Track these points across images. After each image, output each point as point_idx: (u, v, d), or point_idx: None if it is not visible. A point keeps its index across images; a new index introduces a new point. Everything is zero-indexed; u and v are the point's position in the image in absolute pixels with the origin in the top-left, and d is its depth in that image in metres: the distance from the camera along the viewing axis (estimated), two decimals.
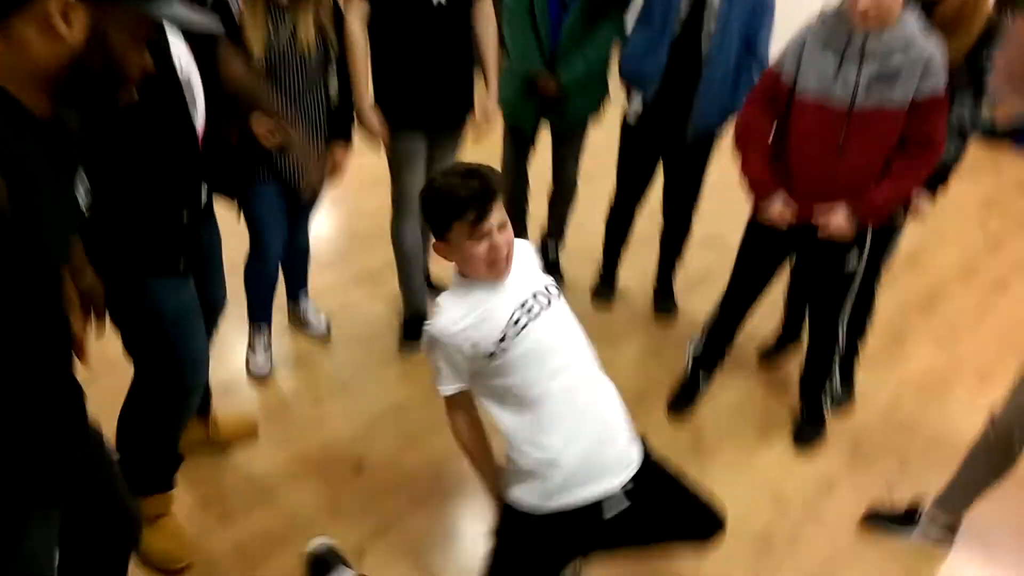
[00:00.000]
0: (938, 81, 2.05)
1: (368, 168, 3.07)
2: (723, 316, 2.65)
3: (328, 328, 2.98)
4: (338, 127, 2.49)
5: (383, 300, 3.21)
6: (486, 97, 2.73)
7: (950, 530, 2.22)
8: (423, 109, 2.62)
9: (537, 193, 3.39)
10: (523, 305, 1.67)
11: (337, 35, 2.38)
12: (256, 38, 2.18)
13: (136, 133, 1.56)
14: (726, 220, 3.77)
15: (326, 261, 3.40)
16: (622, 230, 3.22)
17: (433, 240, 1.71)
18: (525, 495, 1.70)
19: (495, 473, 1.81)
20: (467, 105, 2.74)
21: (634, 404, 1.87)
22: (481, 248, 1.62)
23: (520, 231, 3.58)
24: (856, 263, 2.34)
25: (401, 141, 2.66)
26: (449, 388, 1.74)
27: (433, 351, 1.71)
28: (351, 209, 3.91)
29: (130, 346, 1.80)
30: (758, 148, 2.32)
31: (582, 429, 1.68)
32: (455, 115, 2.74)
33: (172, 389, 1.87)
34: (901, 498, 2.35)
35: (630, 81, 2.90)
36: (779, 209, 2.28)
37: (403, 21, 2.48)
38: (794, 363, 2.83)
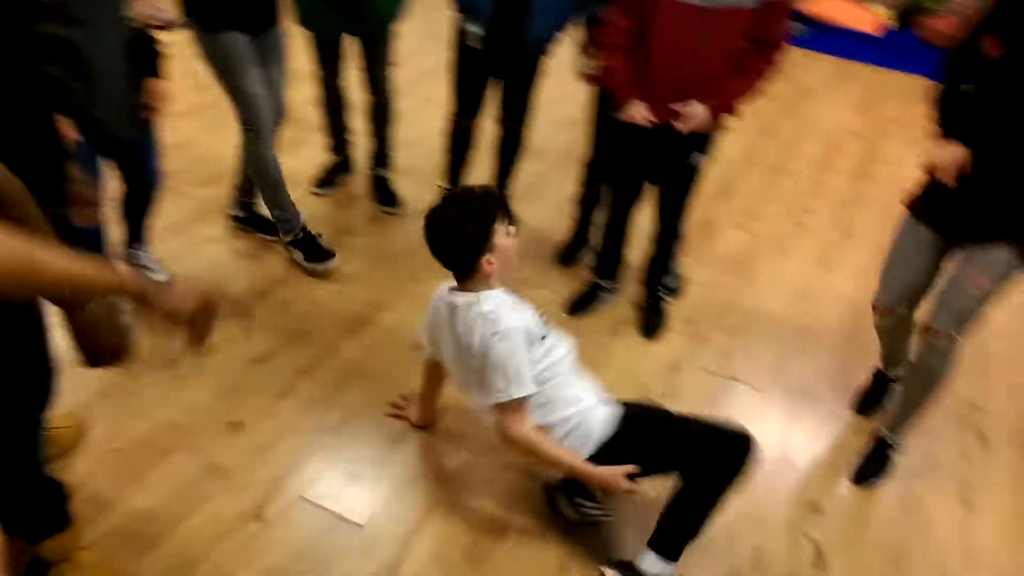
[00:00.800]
0: None
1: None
2: (615, 221, 2.82)
3: (168, 280, 2.77)
4: (143, 62, 2.28)
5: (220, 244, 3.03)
6: None
7: None
8: (239, 6, 2.53)
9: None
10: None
11: None
12: None
13: None
14: (549, 131, 3.91)
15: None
16: (462, 149, 3.23)
17: (485, 259, 1.84)
18: (598, 429, 1.92)
19: (570, 454, 1.90)
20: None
21: None
22: (513, 245, 1.90)
23: (339, 149, 3.49)
24: (701, 156, 2.54)
25: (220, 42, 2.53)
26: (531, 387, 1.84)
27: (516, 352, 1.81)
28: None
29: None
30: (620, 52, 2.40)
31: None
32: (269, 8, 2.64)
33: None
34: (735, 367, 2.70)
35: (464, 12, 2.85)
36: (641, 112, 2.39)
37: None
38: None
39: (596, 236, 3.05)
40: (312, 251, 2.96)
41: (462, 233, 1.82)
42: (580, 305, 2.94)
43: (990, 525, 2.25)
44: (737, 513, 2.18)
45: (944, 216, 2.13)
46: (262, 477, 2.15)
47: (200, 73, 2.69)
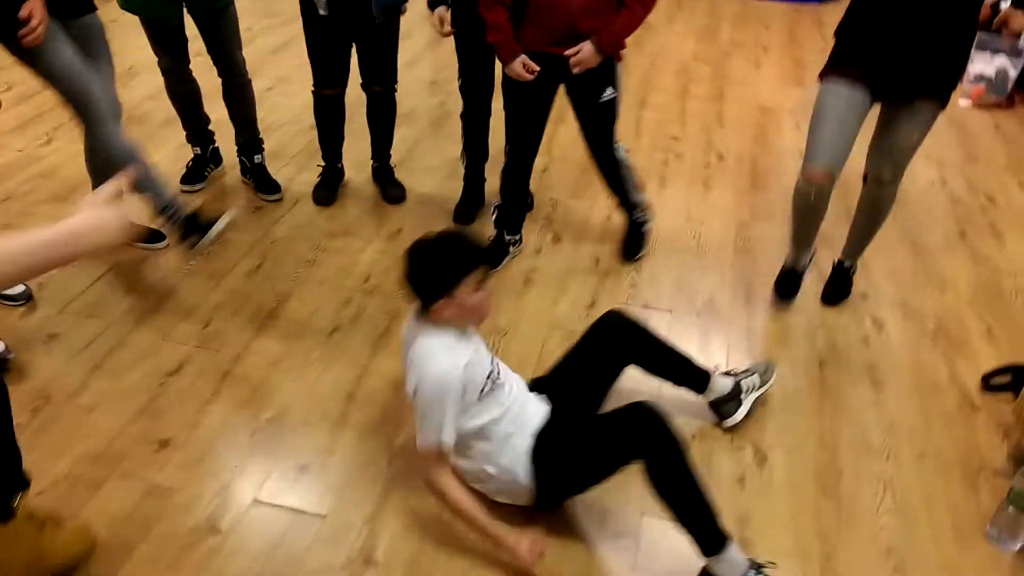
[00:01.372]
0: None
1: None
2: (513, 172, 2.85)
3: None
4: None
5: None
6: None
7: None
8: None
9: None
10: (484, 344, 1.91)
11: None
12: None
13: None
14: (417, 95, 3.86)
15: None
16: (332, 122, 3.14)
17: (441, 303, 1.76)
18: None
19: (486, 513, 1.85)
20: None
21: None
22: (481, 297, 1.80)
23: (201, 140, 3.30)
24: (613, 91, 2.61)
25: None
26: (451, 436, 1.77)
27: (443, 399, 1.73)
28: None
29: None
30: (500, 12, 2.44)
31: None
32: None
33: None
34: (644, 295, 2.82)
35: None
36: (520, 69, 2.47)
37: None
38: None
39: (489, 190, 3.06)
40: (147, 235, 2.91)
41: (429, 269, 1.77)
42: (491, 261, 2.96)
43: (896, 397, 2.48)
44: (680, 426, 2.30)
45: (873, 69, 2.33)
46: (208, 488, 2.05)
47: (18, 82, 2.45)
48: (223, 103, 3.16)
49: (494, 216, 2.99)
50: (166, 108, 3.29)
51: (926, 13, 2.20)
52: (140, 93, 4.05)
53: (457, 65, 2.94)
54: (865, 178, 2.61)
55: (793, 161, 3.74)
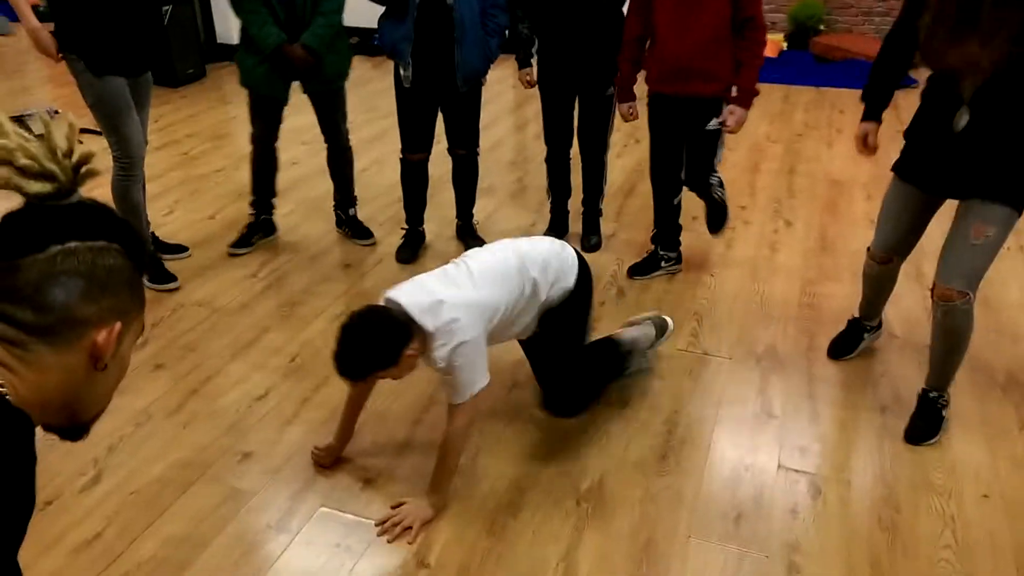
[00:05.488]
0: None
1: None
2: (659, 194, 3.31)
3: None
4: None
5: None
6: None
7: None
8: (121, 52, 2.83)
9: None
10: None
11: None
12: None
13: None
14: (496, 173, 4.13)
15: None
16: (416, 186, 3.45)
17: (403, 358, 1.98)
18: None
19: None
20: (156, 51, 3.04)
21: None
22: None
23: (262, 208, 3.61)
24: (717, 122, 3.02)
25: (110, 85, 2.83)
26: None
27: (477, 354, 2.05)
28: None
29: None
30: (629, 60, 3.08)
31: None
32: (147, 59, 3.01)
33: None
34: (705, 344, 2.90)
35: (388, 54, 3.14)
36: (626, 112, 3.19)
37: None
38: None
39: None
40: (157, 274, 3.25)
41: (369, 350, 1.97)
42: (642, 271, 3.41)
43: (961, 442, 2.44)
44: (735, 466, 2.34)
45: (924, 174, 2.37)
46: (282, 494, 2.22)
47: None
48: (324, 178, 3.52)
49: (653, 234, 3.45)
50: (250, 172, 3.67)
51: (977, 122, 2.17)
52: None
53: (543, 136, 3.39)
54: (932, 292, 2.34)
55: (863, 228, 3.78)
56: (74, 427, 0.93)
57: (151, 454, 2.38)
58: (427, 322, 1.99)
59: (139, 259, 0.92)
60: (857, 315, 2.84)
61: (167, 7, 5.69)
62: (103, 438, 2.42)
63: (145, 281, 3.13)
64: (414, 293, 2.05)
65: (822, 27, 6.92)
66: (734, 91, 2.94)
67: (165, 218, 3.89)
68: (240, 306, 3.17)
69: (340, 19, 3.22)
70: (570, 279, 2.35)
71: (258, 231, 3.65)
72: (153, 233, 3.45)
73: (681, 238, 3.41)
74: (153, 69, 3.09)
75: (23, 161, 0.84)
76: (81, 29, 2.79)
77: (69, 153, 0.88)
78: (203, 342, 2.94)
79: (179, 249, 3.52)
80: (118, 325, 0.88)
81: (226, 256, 3.54)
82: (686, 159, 3.17)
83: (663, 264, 3.39)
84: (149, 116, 3.16)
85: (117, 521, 2.13)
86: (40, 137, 0.88)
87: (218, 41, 6.68)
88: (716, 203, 3.31)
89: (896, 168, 2.46)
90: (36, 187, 0.85)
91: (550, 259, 2.31)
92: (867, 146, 2.55)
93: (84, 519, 2.13)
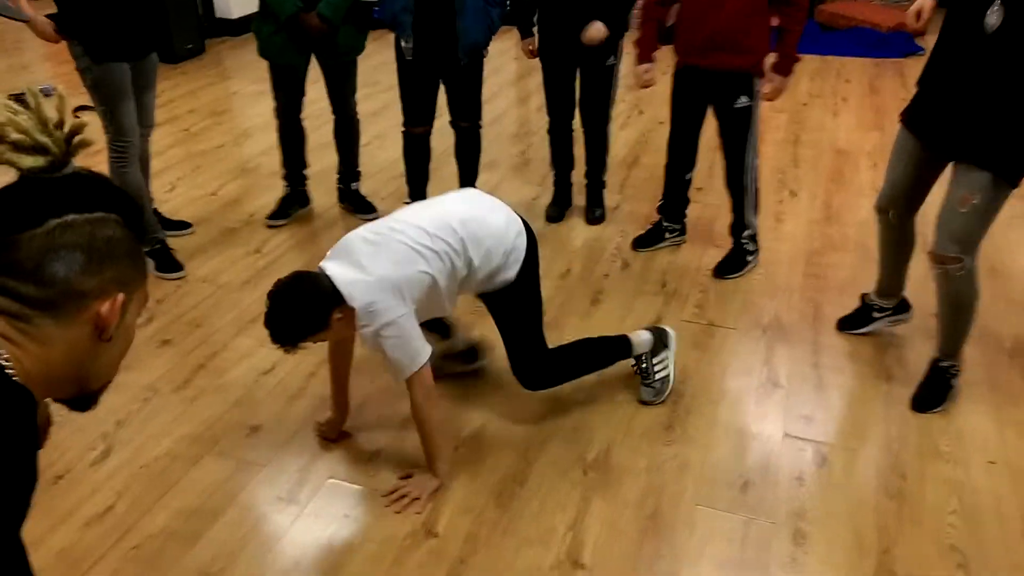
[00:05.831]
0: None
1: None
2: (672, 167, 3.24)
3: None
4: None
5: None
6: None
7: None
8: (122, 38, 2.82)
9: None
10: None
11: None
12: None
13: None
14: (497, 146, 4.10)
15: None
16: (418, 159, 3.43)
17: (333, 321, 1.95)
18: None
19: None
20: (158, 32, 3.05)
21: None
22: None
23: (294, 180, 3.61)
24: (748, 100, 2.91)
25: (110, 72, 2.82)
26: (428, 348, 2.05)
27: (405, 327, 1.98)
28: None
29: None
30: (650, 25, 3.01)
31: None
32: (149, 42, 2.98)
33: None
34: (710, 315, 2.89)
35: (388, 26, 3.11)
36: (642, 73, 3.08)
37: None
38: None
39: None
40: (164, 262, 3.21)
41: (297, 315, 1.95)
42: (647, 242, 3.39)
43: (968, 410, 2.44)
44: (741, 435, 2.35)
45: (925, 127, 2.31)
46: (290, 467, 2.24)
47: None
48: (324, 153, 3.51)
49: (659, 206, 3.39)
50: (273, 163, 3.66)
51: (988, 78, 2.10)
52: (253, 150, 4.48)
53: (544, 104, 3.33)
54: (929, 257, 2.35)
55: (869, 198, 3.76)
56: (82, 397, 0.92)
57: (159, 429, 2.39)
58: (353, 297, 1.95)
59: (138, 228, 0.91)
60: (873, 292, 2.76)
61: None
62: (112, 413, 2.43)
63: (152, 270, 3.15)
64: (341, 264, 2.01)
65: None
66: (772, 59, 2.87)
67: (167, 195, 3.88)
68: (243, 282, 3.17)
69: None
70: (510, 272, 2.17)
71: (294, 203, 3.66)
72: (156, 210, 3.44)
73: (687, 211, 3.39)
74: (156, 50, 3.06)
75: (14, 136, 0.84)
76: (80, 15, 2.76)
77: (60, 124, 0.87)
78: (208, 318, 2.94)
79: (182, 225, 3.51)
80: (121, 296, 0.87)
81: (228, 232, 3.53)
82: (723, 144, 3.04)
83: (667, 236, 3.37)
84: (154, 94, 3.14)
85: (127, 495, 2.14)
86: (29, 108, 0.87)
87: (217, 16, 6.62)
88: (739, 250, 3.18)
89: (903, 115, 2.42)
90: (29, 161, 0.84)
91: (494, 249, 2.12)
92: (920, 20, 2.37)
93: (94, 493, 2.14)
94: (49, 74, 5.80)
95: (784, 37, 2.87)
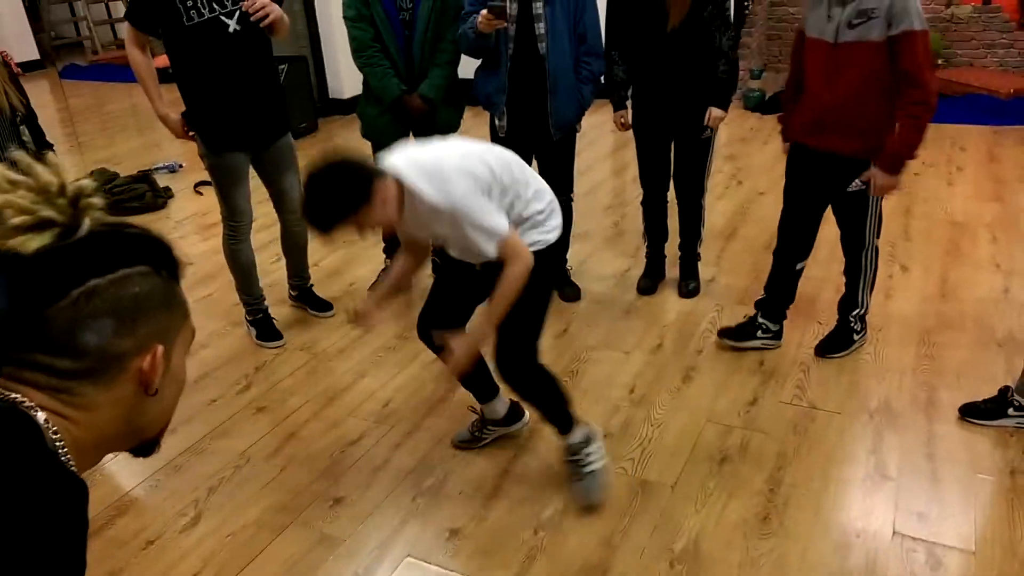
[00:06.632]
0: (907, 21, 2.39)
1: None
2: (781, 254, 3.01)
3: None
4: None
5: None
6: None
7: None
8: (239, 130, 2.94)
9: None
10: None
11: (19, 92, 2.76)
12: None
13: None
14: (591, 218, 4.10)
15: None
16: None
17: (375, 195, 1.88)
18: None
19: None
20: (281, 121, 3.11)
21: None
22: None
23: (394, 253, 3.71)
24: (861, 184, 2.68)
25: (225, 161, 2.96)
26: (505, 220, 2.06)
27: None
28: None
29: None
30: (789, 103, 2.85)
31: None
32: (271, 132, 3.06)
33: None
34: (812, 397, 2.73)
35: (483, 105, 3.20)
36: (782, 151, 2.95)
37: (204, 49, 2.79)
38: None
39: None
40: (265, 332, 3.32)
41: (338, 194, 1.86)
42: (738, 336, 3.10)
43: None
44: (844, 531, 2.18)
45: None
46: (370, 542, 2.22)
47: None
48: None
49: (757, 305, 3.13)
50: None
51: None
52: None
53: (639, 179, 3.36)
54: None
55: (989, 273, 3.52)
56: (142, 446, 0.91)
57: (248, 497, 2.43)
58: (418, 171, 1.95)
59: (171, 267, 0.87)
60: (1015, 386, 2.51)
61: (283, 66, 6.02)
62: (205, 480, 2.50)
63: (254, 338, 3.28)
64: (409, 155, 2.03)
65: (940, 61, 6.59)
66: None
67: (273, 265, 4.05)
68: (339, 351, 3.24)
69: (455, 71, 3.30)
70: (541, 235, 2.20)
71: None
72: (308, 287, 3.57)
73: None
74: (280, 138, 3.10)
75: (16, 220, 0.78)
76: (198, 110, 2.94)
77: (62, 190, 0.81)
78: (303, 386, 3.01)
79: (325, 307, 3.56)
80: (160, 348, 0.84)
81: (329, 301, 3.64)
82: (839, 221, 2.86)
83: (759, 335, 3.06)
84: (297, 177, 3.17)
85: (213, 563, 2.18)
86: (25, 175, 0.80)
87: (330, 96, 7.00)
88: (845, 327, 3.00)
89: None
90: (36, 242, 0.79)
91: (540, 193, 2.25)
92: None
93: (182, 560, 2.19)
94: (178, 151, 6.25)
95: (899, 128, 2.55)
